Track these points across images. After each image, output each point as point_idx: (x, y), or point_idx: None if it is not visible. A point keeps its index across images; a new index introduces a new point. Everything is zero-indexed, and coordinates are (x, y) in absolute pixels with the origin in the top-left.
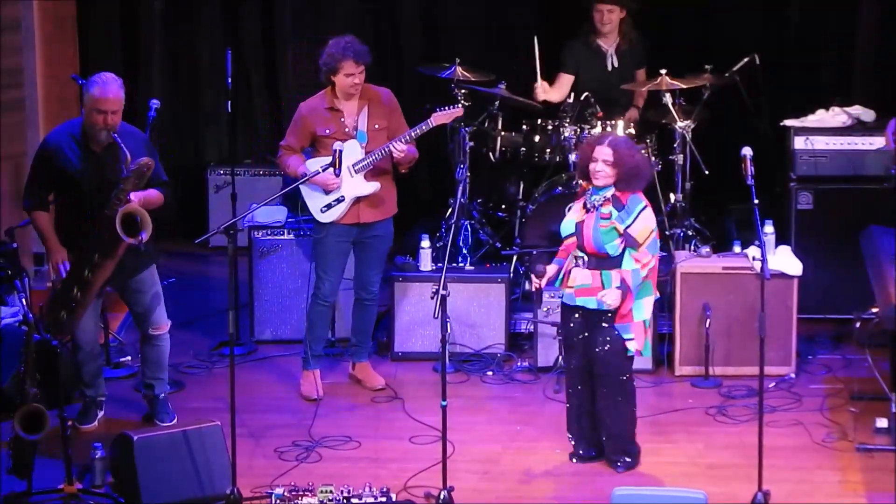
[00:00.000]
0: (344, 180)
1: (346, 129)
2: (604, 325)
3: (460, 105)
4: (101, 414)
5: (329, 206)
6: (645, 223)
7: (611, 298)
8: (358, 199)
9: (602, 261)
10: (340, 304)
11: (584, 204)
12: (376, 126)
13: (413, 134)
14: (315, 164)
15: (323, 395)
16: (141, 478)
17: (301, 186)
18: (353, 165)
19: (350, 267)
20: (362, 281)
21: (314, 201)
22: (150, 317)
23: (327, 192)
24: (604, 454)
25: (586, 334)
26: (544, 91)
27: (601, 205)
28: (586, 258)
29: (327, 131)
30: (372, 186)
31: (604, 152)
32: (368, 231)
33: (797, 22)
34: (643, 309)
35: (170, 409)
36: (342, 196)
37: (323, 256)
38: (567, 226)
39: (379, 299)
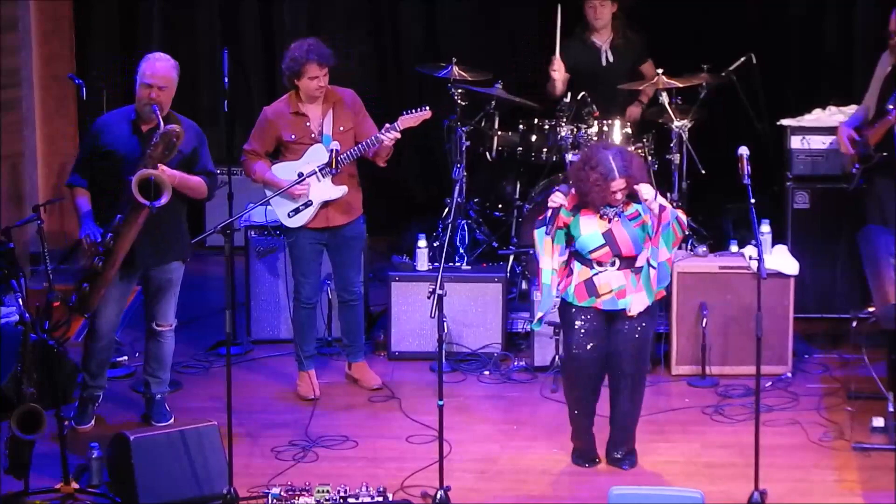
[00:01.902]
0: (311, 185)
1: (312, 134)
2: (630, 318)
3: (427, 107)
4: (94, 408)
5: (297, 211)
6: (649, 185)
7: (646, 189)
8: (325, 203)
9: (632, 260)
10: (336, 304)
11: (601, 215)
12: (342, 128)
13: (382, 136)
14: (280, 169)
15: (319, 394)
16: (138, 478)
17: (267, 192)
18: (321, 169)
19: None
20: (343, 283)
21: (281, 207)
22: (158, 308)
23: (294, 198)
24: (606, 454)
25: (605, 337)
26: (558, 69)
27: (623, 209)
28: (618, 262)
29: (293, 136)
30: (340, 190)
31: (620, 185)
32: (340, 234)
33: (794, 21)
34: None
35: (166, 410)
36: (310, 200)
37: (298, 260)
38: (592, 239)
39: (363, 297)
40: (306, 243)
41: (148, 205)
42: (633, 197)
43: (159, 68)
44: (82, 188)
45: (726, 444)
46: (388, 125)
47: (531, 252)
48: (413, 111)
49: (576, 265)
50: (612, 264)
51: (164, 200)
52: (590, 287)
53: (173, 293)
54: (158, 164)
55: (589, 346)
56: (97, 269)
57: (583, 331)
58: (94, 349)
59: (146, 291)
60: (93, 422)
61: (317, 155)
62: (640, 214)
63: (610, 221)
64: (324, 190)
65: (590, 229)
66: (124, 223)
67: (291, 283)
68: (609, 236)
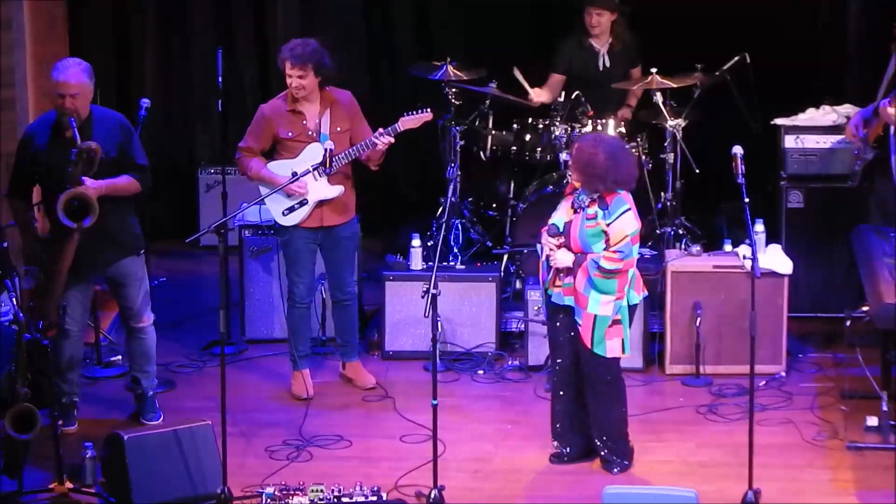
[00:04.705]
0: (308, 184)
1: (309, 132)
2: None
3: (429, 109)
4: (76, 412)
5: (291, 210)
6: (622, 225)
7: (561, 255)
8: (320, 203)
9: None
10: (330, 304)
11: (573, 204)
12: (338, 129)
13: (376, 140)
14: (277, 167)
15: (313, 394)
16: (132, 477)
17: (262, 190)
18: (315, 168)
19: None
20: (337, 283)
21: (276, 205)
22: (136, 310)
23: (289, 196)
24: (588, 453)
25: (573, 334)
26: (538, 96)
27: (587, 206)
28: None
29: (289, 133)
30: (336, 190)
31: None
32: (334, 234)
33: (788, 21)
34: (598, 304)
35: (156, 408)
36: (305, 199)
37: (292, 260)
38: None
39: (357, 297)
40: (300, 243)
41: (73, 227)
42: (601, 200)
43: (70, 76)
44: (21, 200)
45: (720, 444)
46: (381, 130)
47: (525, 251)
48: (414, 112)
49: None
50: None
51: (90, 220)
52: (554, 276)
53: (138, 288)
54: (83, 179)
55: (563, 344)
56: (44, 285)
57: (549, 317)
58: (63, 346)
59: (117, 296)
60: (76, 424)
61: (314, 153)
62: (596, 217)
63: (575, 213)
64: (320, 189)
65: (559, 216)
66: (59, 243)
67: (285, 283)
68: (567, 228)
